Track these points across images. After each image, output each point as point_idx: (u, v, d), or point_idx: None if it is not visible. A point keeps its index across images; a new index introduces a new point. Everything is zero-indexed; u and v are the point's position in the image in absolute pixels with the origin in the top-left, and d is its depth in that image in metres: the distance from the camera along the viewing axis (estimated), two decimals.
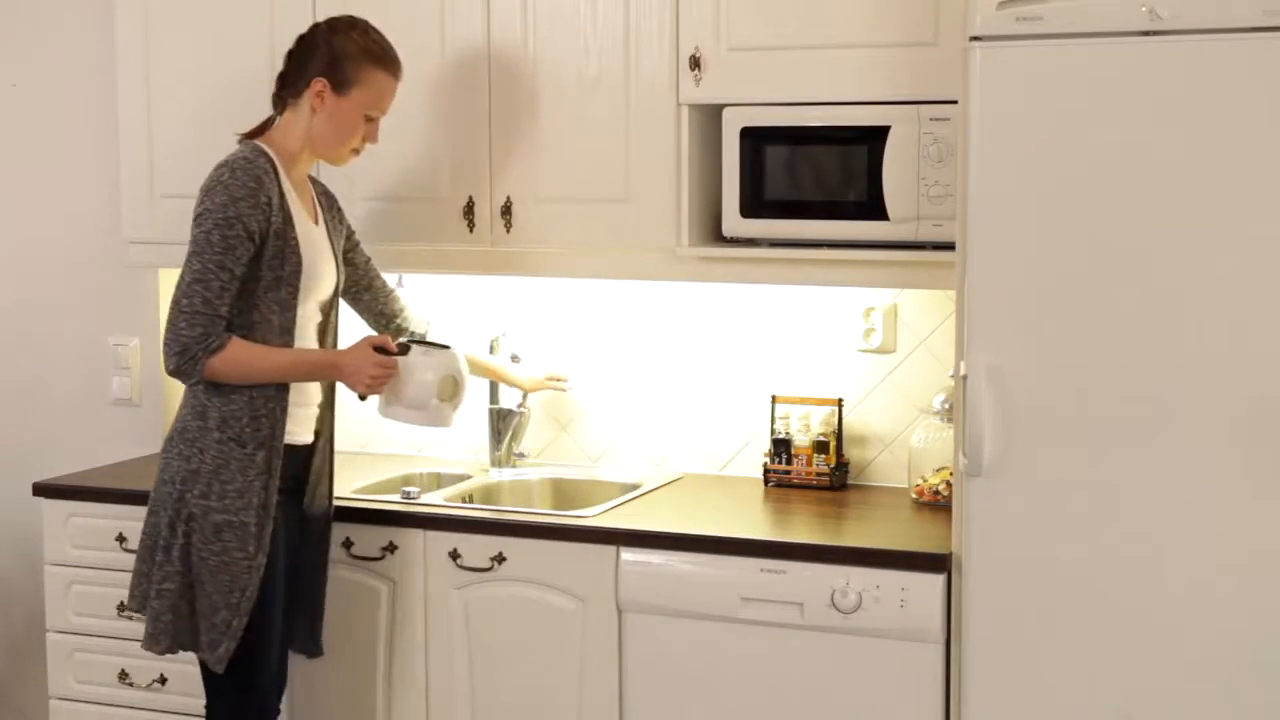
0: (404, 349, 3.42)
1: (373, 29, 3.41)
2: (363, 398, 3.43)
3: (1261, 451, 2.88)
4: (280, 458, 3.33)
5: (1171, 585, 2.95)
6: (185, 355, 3.23)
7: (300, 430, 3.41)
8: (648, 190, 3.58)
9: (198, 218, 3.25)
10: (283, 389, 3.33)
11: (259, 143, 3.35)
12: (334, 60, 3.34)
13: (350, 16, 3.44)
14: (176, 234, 3.91)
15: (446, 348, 3.48)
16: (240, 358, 3.25)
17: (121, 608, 3.79)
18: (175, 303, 3.24)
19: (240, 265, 3.23)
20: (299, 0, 3.80)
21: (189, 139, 3.93)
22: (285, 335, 3.32)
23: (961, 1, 3.06)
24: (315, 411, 3.46)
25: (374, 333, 3.63)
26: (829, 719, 3.27)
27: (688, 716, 3.38)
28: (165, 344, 3.25)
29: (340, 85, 3.34)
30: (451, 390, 3.46)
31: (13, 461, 4.45)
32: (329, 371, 3.39)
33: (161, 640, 3.31)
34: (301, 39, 3.41)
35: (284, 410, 3.33)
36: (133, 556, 3.75)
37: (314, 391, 3.45)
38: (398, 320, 3.67)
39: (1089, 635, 3.01)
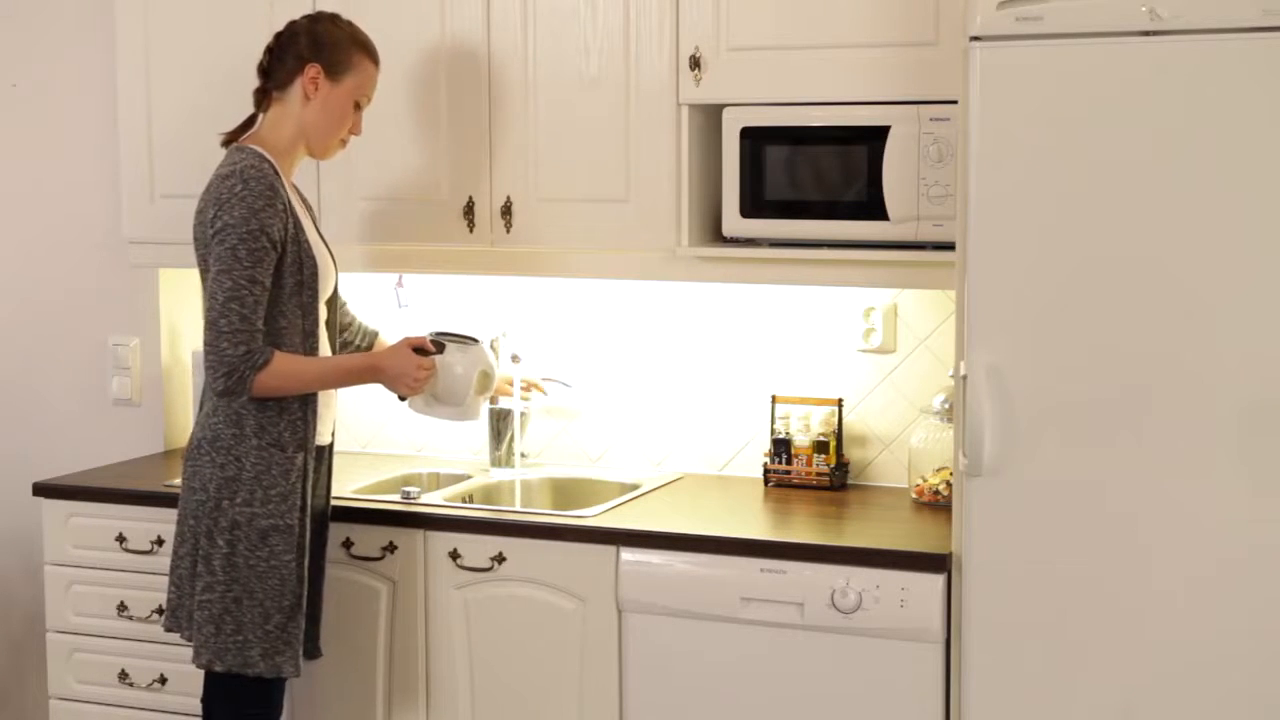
0: (439, 347, 3.44)
1: (351, 21, 3.45)
2: (403, 398, 3.46)
3: (1262, 451, 2.88)
4: (314, 459, 3.36)
5: (1172, 585, 2.95)
6: (233, 375, 3.21)
7: (325, 431, 3.43)
8: (648, 190, 3.58)
9: (218, 233, 3.21)
10: (312, 394, 3.35)
11: (254, 147, 3.32)
12: (324, 47, 3.35)
13: (326, 11, 3.47)
14: (176, 234, 3.93)
15: (475, 341, 3.51)
16: (286, 370, 3.25)
17: (122, 608, 3.80)
18: (213, 323, 3.21)
19: (268, 276, 3.22)
20: (299, 1, 3.80)
21: (189, 139, 3.93)
22: (310, 338, 3.33)
23: (961, 1, 3.06)
24: (335, 413, 3.48)
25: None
26: (829, 719, 3.27)
27: (688, 716, 3.38)
28: (210, 366, 3.22)
29: (332, 71, 3.35)
30: (483, 384, 3.51)
31: (13, 461, 4.45)
32: (370, 376, 3.40)
33: (202, 655, 3.30)
34: (281, 35, 3.40)
35: (315, 412, 3.34)
36: (133, 557, 3.78)
37: (334, 392, 3.46)
38: (345, 334, 3.67)
39: (1089, 635, 3.01)
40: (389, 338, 3.72)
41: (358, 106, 3.42)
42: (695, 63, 3.51)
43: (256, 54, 3.60)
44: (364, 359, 3.44)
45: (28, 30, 4.39)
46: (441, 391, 3.46)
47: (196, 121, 3.92)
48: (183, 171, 3.94)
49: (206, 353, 3.23)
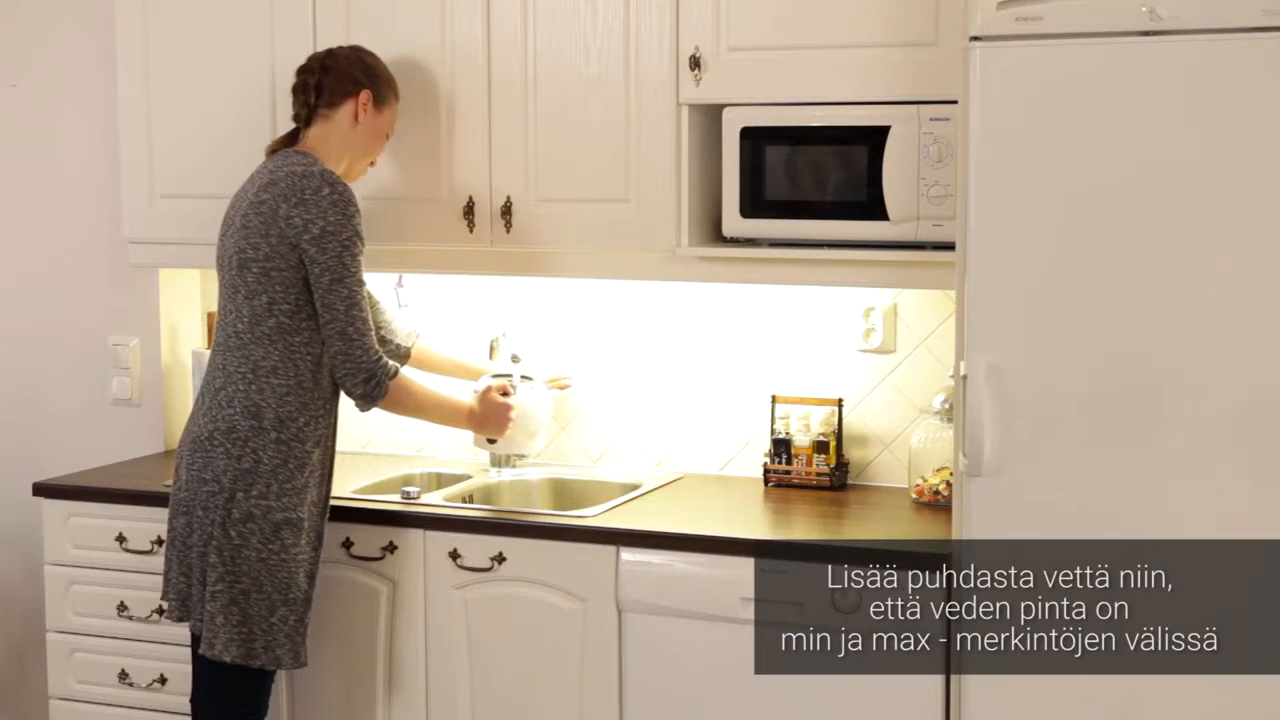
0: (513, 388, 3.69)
1: None
2: (492, 442, 3.69)
3: (1262, 450, 2.88)
4: (331, 456, 3.43)
5: (1172, 585, 2.95)
6: (371, 380, 3.35)
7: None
8: (648, 190, 3.58)
9: (317, 238, 3.29)
10: (336, 391, 3.41)
11: (312, 153, 3.42)
12: (375, 77, 3.52)
13: (361, 46, 3.59)
14: (176, 234, 3.94)
15: (532, 379, 3.77)
16: (408, 387, 3.44)
17: (122, 608, 3.80)
18: (341, 333, 3.32)
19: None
20: (299, 2, 3.80)
21: (189, 139, 3.94)
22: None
23: (961, 1, 3.06)
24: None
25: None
26: (829, 719, 3.27)
27: (688, 716, 3.38)
28: (349, 372, 3.34)
29: (379, 101, 3.52)
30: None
31: (13, 461, 4.45)
32: (464, 421, 3.62)
33: (215, 645, 3.32)
34: (325, 60, 3.50)
35: (336, 411, 3.43)
36: (132, 556, 3.78)
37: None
38: (383, 331, 3.70)
39: (1089, 635, 3.01)
40: (429, 339, 3.83)
41: (385, 137, 3.58)
42: (695, 63, 3.51)
43: (256, 54, 3.61)
44: (464, 405, 3.59)
45: (28, 30, 4.39)
46: (521, 430, 3.70)
47: (197, 122, 3.93)
48: (183, 171, 3.94)
49: (340, 361, 3.33)
